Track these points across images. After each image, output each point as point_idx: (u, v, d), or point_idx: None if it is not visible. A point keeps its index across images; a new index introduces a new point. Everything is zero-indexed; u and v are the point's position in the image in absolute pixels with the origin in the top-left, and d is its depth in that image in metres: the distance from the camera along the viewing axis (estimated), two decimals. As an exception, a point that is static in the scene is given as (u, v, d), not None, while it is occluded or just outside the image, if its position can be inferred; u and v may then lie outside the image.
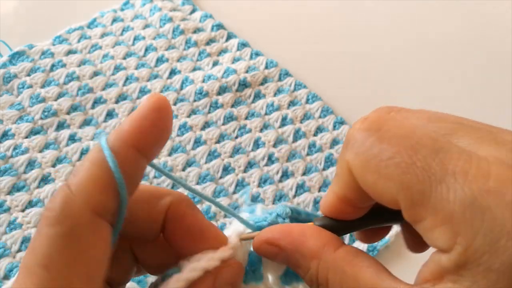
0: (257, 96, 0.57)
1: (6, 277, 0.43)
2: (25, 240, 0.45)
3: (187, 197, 0.24)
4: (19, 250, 0.44)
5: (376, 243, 0.42)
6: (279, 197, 0.50)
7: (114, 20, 0.61)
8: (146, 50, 0.59)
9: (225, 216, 0.48)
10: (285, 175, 0.51)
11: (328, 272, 0.21)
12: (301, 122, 0.55)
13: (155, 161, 0.52)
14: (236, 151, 0.52)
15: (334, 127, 0.55)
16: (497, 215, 0.17)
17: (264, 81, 0.58)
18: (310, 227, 0.23)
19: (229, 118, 0.55)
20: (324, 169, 0.52)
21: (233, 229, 0.25)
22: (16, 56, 0.56)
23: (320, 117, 0.56)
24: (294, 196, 0.50)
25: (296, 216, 0.26)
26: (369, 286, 0.20)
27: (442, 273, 0.18)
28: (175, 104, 0.55)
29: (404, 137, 0.19)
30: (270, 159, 0.52)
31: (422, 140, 0.19)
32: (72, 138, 0.51)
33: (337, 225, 0.23)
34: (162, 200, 0.23)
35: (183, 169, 0.51)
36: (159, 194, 0.24)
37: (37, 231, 0.19)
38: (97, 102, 0.54)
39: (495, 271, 0.17)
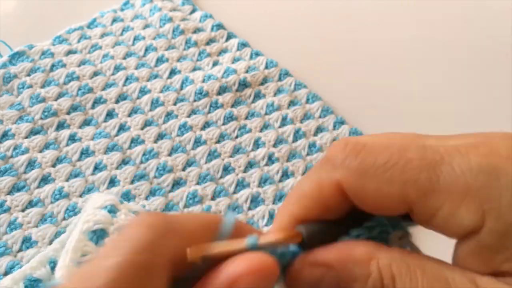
0: (257, 96, 0.57)
1: (7, 274, 0.43)
2: (26, 240, 0.45)
3: None
4: (20, 250, 0.44)
5: None
6: (279, 197, 0.50)
7: (114, 20, 0.61)
8: (146, 50, 0.59)
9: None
10: (285, 175, 0.51)
11: (392, 267, 0.19)
12: (301, 122, 0.55)
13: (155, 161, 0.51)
14: (236, 151, 0.52)
15: (334, 127, 0.55)
16: (508, 170, 0.17)
17: (264, 81, 0.58)
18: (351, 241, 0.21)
19: (229, 118, 0.55)
20: (324, 169, 0.52)
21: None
22: (16, 56, 0.56)
23: (320, 117, 0.56)
24: (294, 196, 0.50)
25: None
26: (443, 274, 0.18)
27: (489, 256, 0.18)
28: (175, 104, 0.55)
29: (388, 146, 0.20)
30: (270, 159, 0.52)
31: (403, 144, 0.20)
32: (72, 138, 0.51)
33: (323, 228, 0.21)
34: None
35: (183, 169, 0.51)
36: None
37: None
38: (97, 102, 0.54)
39: None
